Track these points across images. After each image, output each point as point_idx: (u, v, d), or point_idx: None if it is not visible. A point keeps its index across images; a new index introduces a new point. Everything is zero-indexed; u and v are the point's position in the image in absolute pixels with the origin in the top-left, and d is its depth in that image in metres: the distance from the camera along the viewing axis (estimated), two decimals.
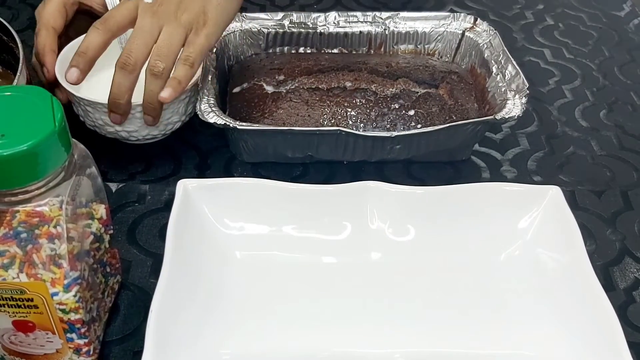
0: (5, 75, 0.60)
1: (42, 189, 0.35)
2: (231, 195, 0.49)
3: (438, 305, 0.47)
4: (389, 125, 0.56)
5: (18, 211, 0.36)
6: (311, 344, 0.44)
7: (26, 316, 0.38)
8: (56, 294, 0.37)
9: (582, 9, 0.85)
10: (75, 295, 0.37)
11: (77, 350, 0.41)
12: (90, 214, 0.41)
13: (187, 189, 0.48)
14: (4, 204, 0.35)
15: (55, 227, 0.36)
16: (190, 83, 0.53)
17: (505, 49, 0.61)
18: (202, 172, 0.58)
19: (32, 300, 0.37)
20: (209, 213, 0.48)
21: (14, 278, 0.36)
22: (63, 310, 0.38)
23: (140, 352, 0.39)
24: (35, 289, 0.36)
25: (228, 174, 0.58)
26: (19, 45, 0.55)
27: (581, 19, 0.83)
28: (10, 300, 0.37)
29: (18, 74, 0.52)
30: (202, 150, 0.60)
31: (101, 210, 0.42)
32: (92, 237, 0.40)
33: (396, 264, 0.49)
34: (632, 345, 0.41)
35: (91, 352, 0.42)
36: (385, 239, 0.49)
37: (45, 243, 0.36)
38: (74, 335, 0.40)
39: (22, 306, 0.37)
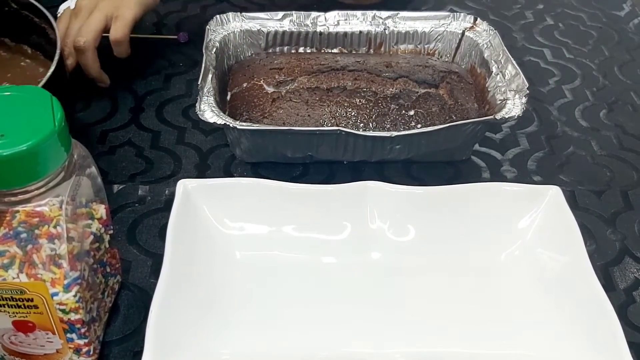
0: (34, 56, 0.60)
1: (42, 189, 0.35)
2: (231, 195, 0.49)
3: (438, 305, 0.47)
4: (389, 125, 0.56)
5: (18, 211, 0.36)
6: (311, 344, 0.44)
7: (26, 316, 0.38)
8: (56, 294, 0.37)
9: (582, 8, 0.85)
10: (75, 296, 0.37)
11: (77, 351, 0.41)
12: (90, 214, 0.41)
13: (187, 189, 0.48)
14: (4, 204, 0.35)
15: (55, 227, 0.36)
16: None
17: (505, 48, 0.61)
18: (202, 172, 0.58)
19: (32, 300, 0.37)
20: (209, 213, 0.48)
21: (14, 278, 0.36)
22: (63, 311, 0.38)
23: (140, 352, 0.39)
24: (35, 289, 0.36)
25: (228, 174, 0.58)
26: (55, 27, 0.54)
27: (581, 18, 0.83)
28: (10, 301, 0.37)
29: (56, 58, 0.51)
30: (202, 150, 0.60)
31: (101, 210, 0.42)
32: (92, 237, 0.40)
33: (396, 264, 0.49)
34: (632, 345, 0.41)
35: (91, 352, 0.42)
36: (385, 239, 0.49)
37: (45, 243, 0.36)
38: (74, 336, 0.40)
39: (22, 306, 0.37)
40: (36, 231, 0.36)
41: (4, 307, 0.37)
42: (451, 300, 0.47)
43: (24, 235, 0.36)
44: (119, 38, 0.62)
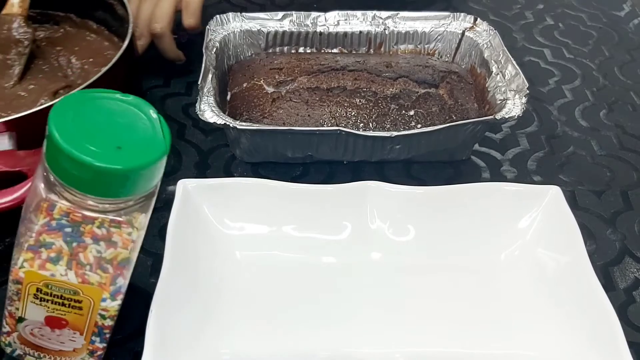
0: (99, 31, 0.62)
1: (131, 203, 0.35)
2: (231, 195, 0.49)
3: (438, 305, 0.47)
4: (389, 125, 0.56)
5: (57, 202, 0.35)
6: (311, 344, 0.44)
7: (64, 315, 0.37)
8: (104, 300, 0.37)
9: (582, 9, 0.85)
10: (119, 304, 0.37)
11: (92, 352, 0.40)
12: (131, 222, 0.40)
13: (187, 188, 0.48)
14: (93, 211, 0.35)
15: (99, 227, 0.36)
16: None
17: (505, 48, 0.61)
18: (202, 172, 0.58)
19: (80, 302, 0.36)
20: (209, 213, 0.48)
21: (62, 275, 0.35)
22: (103, 316, 0.38)
23: (140, 352, 0.39)
24: (90, 293, 0.36)
25: (228, 174, 0.58)
26: (125, 3, 0.54)
27: (581, 19, 0.83)
28: (57, 298, 0.36)
29: (129, 34, 0.53)
30: (202, 150, 0.60)
31: (141, 218, 0.41)
32: (132, 244, 0.40)
33: (396, 264, 0.49)
34: (632, 345, 0.41)
35: (102, 356, 0.41)
36: (385, 239, 0.49)
37: (90, 243, 0.36)
38: (97, 339, 0.39)
39: (67, 305, 0.37)
40: (80, 228, 0.35)
41: (47, 302, 0.37)
42: (451, 300, 0.47)
43: (68, 230, 0.35)
44: (193, 25, 0.64)
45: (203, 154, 0.60)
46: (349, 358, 0.43)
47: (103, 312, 0.38)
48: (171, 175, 0.57)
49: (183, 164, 0.59)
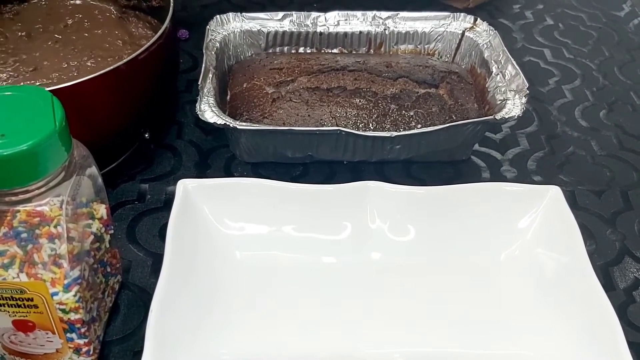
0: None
1: (43, 189, 0.35)
2: (231, 195, 0.49)
3: (438, 305, 0.47)
4: (389, 125, 0.56)
5: (19, 211, 0.36)
6: (311, 344, 0.44)
7: (26, 316, 0.38)
8: (56, 293, 0.37)
9: (582, 9, 0.85)
10: (75, 295, 0.37)
11: (77, 350, 0.41)
12: (91, 214, 0.41)
13: (187, 188, 0.48)
14: (5, 204, 0.35)
15: (55, 227, 0.36)
16: None
17: (505, 49, 0.61)
18: (202, 172, 0.58)
19: (32, 299, 0.37)
20: (209, 213, 0.48)
21: (14, 278, 0.36)
22: (63, 310, 0.38)
23: (140, 352, 0.39)
24: (35, 288, 0.36)
25: (228, 174, 0.58)
26: None
27: (581, 19, 0.83)
28: (10, 300, 0.37)
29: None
30: (202, 150, 0.60)
31: (102, 210, 0.42)
32: (92, 237, 0.40)
33: (396, 264, 0.49)
34: (632, 345, 0.41)
35: (91, 352, 0.42)
36: (385, 239, 0.49)
37: (45, 243, 0.36)
38: (74, 335, 0.40)
39: (22, 306, 0.37)
40: (37, 231, 0.36)
41: (4, 306, 0.37)
42: (451, 300, 0.47)
43: (24, 235, 0.36)
44: None
45: (203, 153, 0.60)
46: (349, 358, 0.43)
47: (62, 306, 0.38)
48: (171, 175, 0.57)
49: (183, 164, 0.59)
